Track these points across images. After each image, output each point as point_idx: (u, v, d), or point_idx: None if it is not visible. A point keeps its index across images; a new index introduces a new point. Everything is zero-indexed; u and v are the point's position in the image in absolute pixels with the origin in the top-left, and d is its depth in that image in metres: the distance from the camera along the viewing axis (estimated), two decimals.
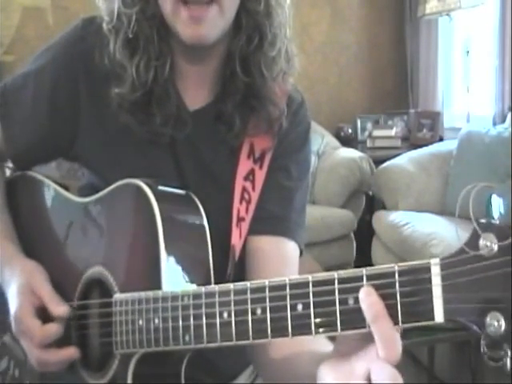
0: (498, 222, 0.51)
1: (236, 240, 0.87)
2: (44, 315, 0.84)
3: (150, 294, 0.75)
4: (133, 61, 0.85)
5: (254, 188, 0.90)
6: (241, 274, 0.87)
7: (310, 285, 0.59)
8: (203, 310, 0.68)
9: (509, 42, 3.29)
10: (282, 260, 0.89)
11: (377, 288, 0.55)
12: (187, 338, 0.70)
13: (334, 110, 4.39)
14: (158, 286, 0.76)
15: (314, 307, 0.59)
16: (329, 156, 3.73)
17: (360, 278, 0.56)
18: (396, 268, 0.55)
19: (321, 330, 0.58)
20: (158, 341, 0.73)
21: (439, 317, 0.53)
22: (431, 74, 4.14)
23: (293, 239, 0.90)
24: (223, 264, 0.85)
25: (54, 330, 0.83)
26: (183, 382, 0.81)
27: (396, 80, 4.50)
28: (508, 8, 3.32)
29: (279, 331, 0.61)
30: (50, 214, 0.98)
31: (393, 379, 0.52)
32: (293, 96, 0.94)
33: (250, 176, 0.90)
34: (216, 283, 0.72)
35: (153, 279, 0.77)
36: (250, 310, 0.63)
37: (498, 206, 0.51)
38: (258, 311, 0.63)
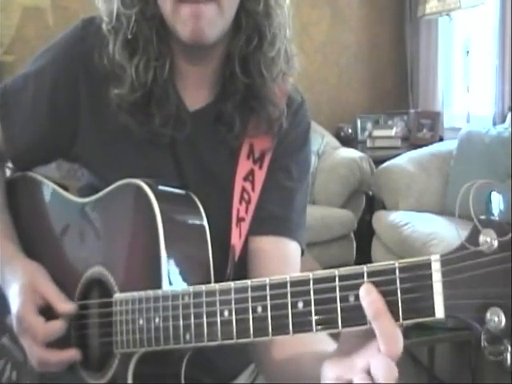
0: (497, 219, 0.51)
1: (236, 240, 0.87)
2: (46, 314, 0.84)
3: (151, 293, 0.75)
4: (132, 61, 0.85)
5: (253, 188, 0.90)
6: (241, 274, 0.87)
7: (311, 282, 0.59)
8: (204, 308, 0.68)
9: (509, 42, 3.29)
10: (283, 260, 0.89)
11: (377, 285, 0.55)
12: (188, 336, 0.70)
13: (334, 110, 4.40)
14: (158, 286, 0.76)
15: (314, 305, 0.59)
16: (329, 156, 3.73)
17: (361, 275, 0.56)
18: (396, 265, 0.55)
19: (321, 327, 0.59)
20: (159, 340, 0.73)
21: (440, 313, 0.53)
22: (431, 74, 4.14)
23: (294, 239, 0.90)
24: (223, 264, 0.85)
25: (57, 326, 0.83)
26: (183, 381, 0.81)
27: (396, 80, 4.50)
28: (508, 8, 3.32)
29: (280, 329, 0.61)
30: (50, 215, 0.98)
31: (390, 371, 0.53)
32: (293, 96, 0.94)
33: (250, 176, 0.90)
34: (216, 283, 0.72)
35: (153, 279, 0.77)
36: (250, 308, 0.63)
37: (497, 202, 0.51)
38: (259, 309, 0.63)
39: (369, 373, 0.54)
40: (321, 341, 0.72)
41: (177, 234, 0.81)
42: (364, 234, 3.52)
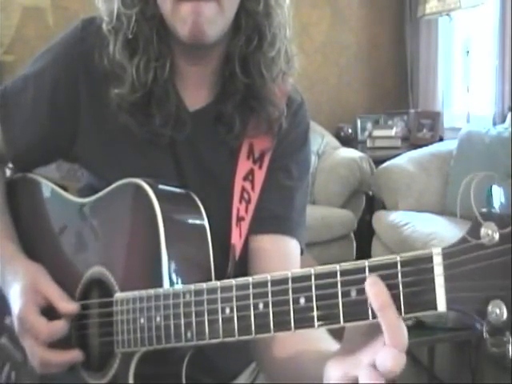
0: (498, 211, 0.51)
1: (236, 239, 0.87)
2: (48, 315, 0.84)
3: (151, 291, 0.75)
4: (132, 61, 0.85)
5: (253, 188, 0.90)
6: (241, 274, 0.87)
7: (313, 278, 0.59)
8: (205, 306, 0.68)
9: (509, 42, 3.29)
10: (284, 258, 0.89)
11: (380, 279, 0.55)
12: (189, 334, 0.70)
13: (334, 110, 4.40)
14: (159, 286, 0.76)
15: (316, 300, 0.59)
16: (329, 156, 3.73)
17: (362, 270, 0.56)
18: (398, 259, 0.55)
19: (323, 322, 0.59)
20: (160, 338, 0.73)
21: (442, 306, 0.53)
22: (431, 74, 4.14)
23: (294, 237, 0.91)
24: (223, 263, 0.85)
25: (60, 326, 0.83)
26: (184, 381, 0.81)
27: (396, 80, 4.50)
28: (508, 8, 3.32)
29: (282, 325, 0.61)
30: (50, 215, 0.98)
31: (397, 360, 0.53)
32: (292, 97, 0.94)
33: (250, 176, 0.90)
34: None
35: (154, 279, 0.77)
36: (252, 305, 0.63)
37: (498, 195, 0.51)
38: (260, 306, 0.63)
39: (374, 367, 0.54)
40: (323, 340, 0.72)
41: (177, 234, 0.81)
42: (364, 234, 3.52)
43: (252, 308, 0.63)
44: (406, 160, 3.33)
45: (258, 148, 0.91)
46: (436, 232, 2.67)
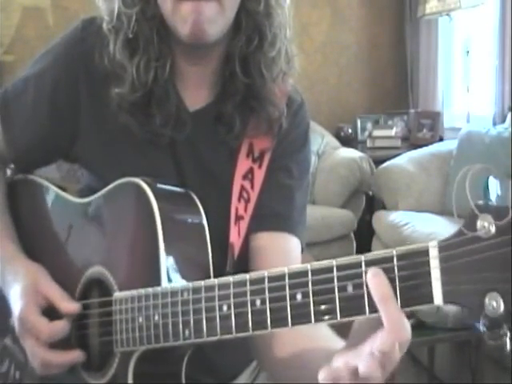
0: (495, 203, 0.51)
1: (234, 238, 0.87)
2: (49, 315, 0.84)
3: (150, 290, 0.75)
4: (133, 61, 0.85)
5: (252, 187, 0.90)
6: (241, 273, 0.87)
7: (309, 273, 0.59)
8: (203, 304, 0.68)
9: (509, 42, 3.29)
10: (284, 256, 0.89)
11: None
12: (187, 332, 0.70)
13: (334, 110, 4.39)
14: (158, 285, 0.76)
15: (313, 295, 0.59)
16: (329, 156, 3.73)
17: (358, 265, 0.57)
18: (394, 253, 0.55)
19: (320, 318, 0.59)
20: (158, 337, 0.73)
21: (438, 299, 0.53)
22: (431, 74, 4.14)
23: (295, 235, 0.90)
24: (222, 263, 0.85)
25: (61, 326, 0.83)
26: (183, 381, 0.81)
27: (396, 80, 4.50)
28: (508, 8, 3.32)
29: (279, 322, 0.61)
30: (50, 216, 0.98)
31: (392, 344, 0.53)
32: (293, 97, 0.94)
33: (249, 175, 0.90)
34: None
35: (152, 278, 0.78)
36: (249, 302, 0.64)
37: (495, 187, 0.51)
38: (258, 302, 0.63)
39: (373, 355, 0.54)
40: (329, 339, 0.73)
41: (176, 233, 0.81)
42: (364, 234, 3.52)
43: (249, 305, 0.64)
44: (406, 160, 3.33)
45: (257, 147, 0.91)
46: (436, 232, 2.67)
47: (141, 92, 0.85)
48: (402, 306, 0.55)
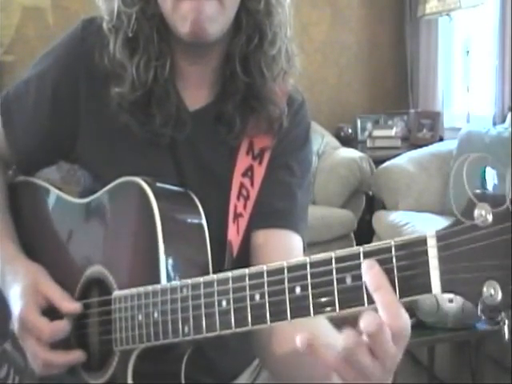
0: (492, 192, 0.51)
1: (233, 236, 0.87)
2: (48, 315, 0.83)
3: (149, 288, 0.75)
4: (133, 60, 0.85)
5: (252, 184, 0.90)
6: None
7: (308, 266, 0.60)
8: (202, 299, 0.68)
9: (509, 41, 3.29)
10: (286, 253, 0.88)
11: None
12: (186, 329, 0.70)
13: (334, 110, 4.39)
14: (157, 284, 0.76)
15: (312, 288, 0.59)
16: (329, 156, 3.73)
17: (357, 256, 0.57)
18: (392, 243, 0.55)
19: (319, 310, 0.59)
20: (158, 334, 0.73)
21: (436, 288, 0.53)
22: (431, 73, 4.14)
23: (297, 232, 0.90)
24: (221, 261, 0.85)
25: (62, 326, 0.83)
26: (183, 381, 0.81)
27: (396, 80, 4.50)
28: (508, 8, 3.32)
29: (278, 315, 0.62)
30: (49, 216, 0.98)
31: (376, 320, 0.53)
32: (293, 96, 0.94)
33: (249, 172, 0.90)
34: None
35: (151, 277, 0.78)
36: (248, 296, 0.64)
37: (492, 177, 0.51)
38: (257, 297, 0.63)
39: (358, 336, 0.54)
40: (329, 334, 0.72)
41: (175, 232, 0.81)
42: (364, 234, 3.51)
43: (248, 299, 0.64)
44: (406, 160, 3.33)
45: (257, 145, 0.91)
46: None
47: (141, 91, 0.85)
48: (401, 296, 0.55)
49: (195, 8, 0.79)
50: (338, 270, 0.58)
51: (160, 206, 0.80)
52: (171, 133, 0.88)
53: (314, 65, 4.26)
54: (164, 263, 0.78)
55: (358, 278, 0.56)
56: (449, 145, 3.39)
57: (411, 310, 1.92)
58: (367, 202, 3.67)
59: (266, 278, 0.62)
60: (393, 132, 4.19)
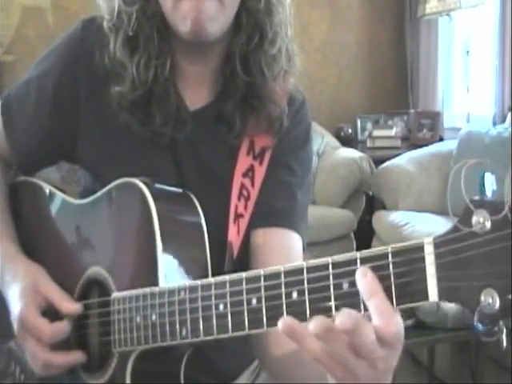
0: (490, 198, 0.50)
1: (233, 236, 0.87)
2: (48, 316, 0.83)
3: (148, 290, 0.75)
4: (133, 59, 0.85)
5: (253, 184, 0.90)
6: (240, 271, 0.87)
7: (305, 271, 0.59)
8: (199, 303, 0.68)
9: (509, 42, 3.29)
10: (286, 252, 0.88)
11: (371, 270, 0.55)
12: (184, 332, 0.70)
13: (334, 110, 4.39)
14: (155, 285, 0.76)
15: (308, 293, 0.59)
16: (329, 156, 3.73)
17: (354, 262, 0.57)
18: (389, 249, 0.55)
19: (316, 315, 0.58)
20: (156, 337, 0.73)
21: (433, 296, 0.52)
22: (431, 73, 4.14)
23: (297, 232, 0.90)
24: (221, 262, 0.85)
25: (62, 327, 0.83)
26: (183, 381, 0.81)
27: (396, 80, 4.50)
28: (508, 8, 3.32)
29: (275, 320, 0.61)
30: (49, 217, 0.98)
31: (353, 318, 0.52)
32: (294, 95, 0.94)
33: (250, 172, 0.90)
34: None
35: (150, 278, 0.77)
36: (245, 301, 0.64)
37: (490, 182, 0.51)
38: (254, 301, 0.63)
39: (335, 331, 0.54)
40: None
41: (174, 233, 0.81)
42: (364, 234, 3.51)
43: (245, 303, 0.64)
44: (405, 160, 3.33)
45: (258, 145, 0.91)
46: (436, 232, 2.64)
47: (141, 90, 0.85)
48: (398, 303, 0.54)
49: (195, 7, 0.79)
50: (335, 276, 0.57)
51: (158, 207, 0.79)
52: (171, 132, 0.88)
53: (314, 65, 4.26)
54: (162, 264, 0.77)
55: (355, 283, 0.56)
56: (449, 145, 3.39)
57: (411, 310, 1.92)
58: (367, 202, 3.67)
59: (262, 283, 0.62)
60: (393, 132, 4.19)
